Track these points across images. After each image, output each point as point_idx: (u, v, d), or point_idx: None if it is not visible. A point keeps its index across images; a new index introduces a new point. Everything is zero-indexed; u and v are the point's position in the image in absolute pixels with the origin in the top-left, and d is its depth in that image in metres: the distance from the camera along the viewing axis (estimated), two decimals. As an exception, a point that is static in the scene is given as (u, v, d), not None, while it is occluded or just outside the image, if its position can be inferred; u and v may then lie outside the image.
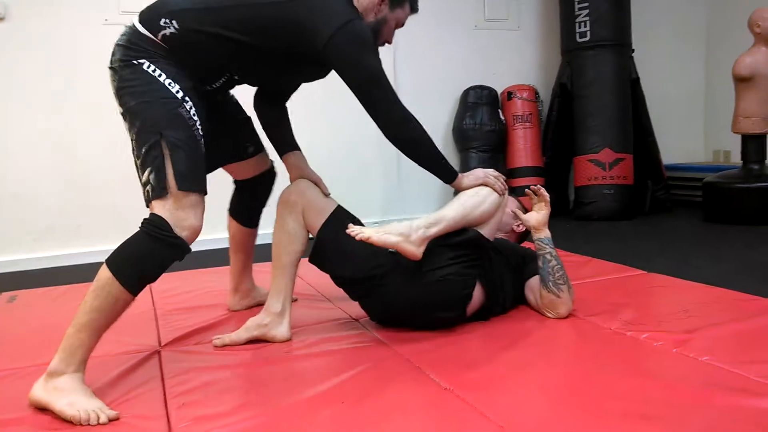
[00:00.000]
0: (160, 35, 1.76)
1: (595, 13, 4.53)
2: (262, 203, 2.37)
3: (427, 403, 1.54)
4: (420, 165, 2.00)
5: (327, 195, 2.12)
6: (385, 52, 4.87)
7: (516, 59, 5.02)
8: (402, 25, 2.09)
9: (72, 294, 2.83)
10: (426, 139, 1.95)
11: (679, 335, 1.87)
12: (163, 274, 3.09)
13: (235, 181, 2.37)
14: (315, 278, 2.75)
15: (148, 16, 1.80)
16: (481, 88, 4.74)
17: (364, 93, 1.88)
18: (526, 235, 2.39)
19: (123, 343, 2.07)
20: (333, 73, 1.95)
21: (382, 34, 2.03)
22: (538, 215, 2.17)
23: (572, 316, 2.11)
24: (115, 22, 3.89)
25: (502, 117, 4.76)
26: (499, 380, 1.64)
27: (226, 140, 2.15)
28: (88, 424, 1.49)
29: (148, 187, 1.73)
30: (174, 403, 1.58)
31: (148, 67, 1.74)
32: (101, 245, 3.95)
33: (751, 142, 4.08)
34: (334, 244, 2.05)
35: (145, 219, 1.74)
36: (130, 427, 1.49)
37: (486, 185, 2.03)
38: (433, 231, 1.95)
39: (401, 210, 4.71)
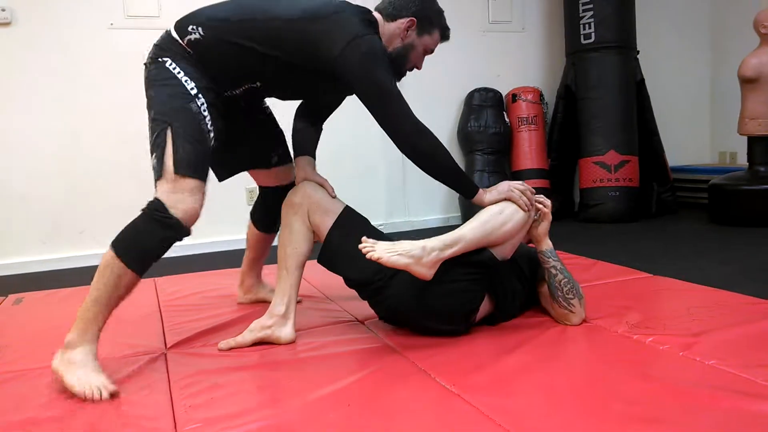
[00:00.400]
0: (186, 40, 1.93)
1: (600, 14, 4.52)
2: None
3: (433, 406, 1.54)
4: (437, 180, 1.98)
5: (333, 197, 2.12)
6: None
7: (521, 61, 5.02)
8: (431, 51, 2.11)
9: (78, 296, 2.82)
10: (442, 152, 1.93)
11: (685, 338, 1.86)
12: (169, 276, 3.12)
13: (260, 187, 2.44)
14: (320, 279, 2.76)
15: (180, 23, 1.97)
16: (486, 90, 4.74)
17: (375, 106, 1.89)
18: None
19: (129, 345, 2.08)
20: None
21: (409, 59, 2.08)
22: (538, 228, 2.07)
23: (578, 319, 2.11)
24: (120, 26, 3.91)
25: (507, 119, 4.75)
26: (505, 383, 1.64)
27: (249, 147, 2.25)
28: (92, 400, 1.63)
29: (153, 172, 1.85)
30: (180, 405, 1.59)
31: (170, 64, 1.91)
32: (108, 248, 3.97)
33: (757, 144, 4.07)
34: (342, 246, 2.05)
35: (152, 200, 1.85)
36: (136, 429, 1.49)
37: (511, 200, 1.96)
38: (448, 253, 1.86)
39: (405, 212, 4.72)
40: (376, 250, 1.81)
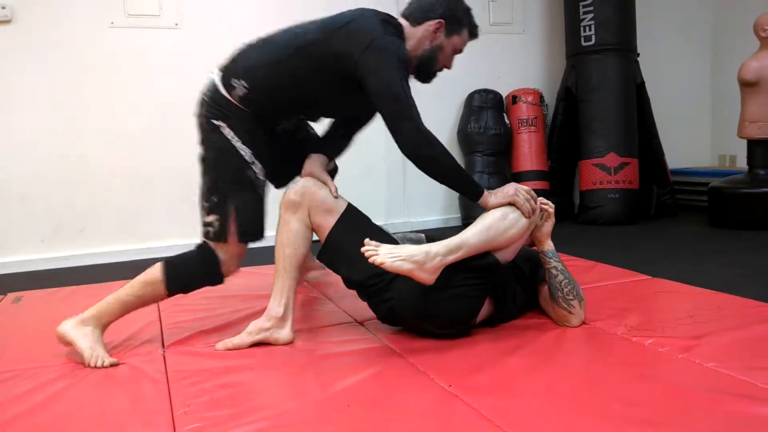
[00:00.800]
0: (233, 94, 2.01)
1: (600, 17, 4.52)
2: None
3: (432, 407, 1.53)
4: (442, 183, 1.97)
5: (335, 197, 2.10)
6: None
7: (521, 63, 5.02)
8: (460, 51, 2.13)
9: (78, 295, 2.84)
10: (446, 157, 1.93)
11: (685, 341, 1.86)
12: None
13: None
14: (317, 282, 2.76)
15: (224, 77, 2.03)
16: (486, 91, 4.73)
17: (382, 105, 1.90)
18: None
19: (127, 345, 2.08)
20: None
21: (438, 60, 2.09)
22: (542, 229, 2.06)
23: (578, 321, 2.11)
24: (121, 25, 3.91)
25: (507, 121, 4.75)
26: (504, 384, 1.64)
27: (290, 166, 2.28)
28: (95, 366, 1.87)
29: (211, 228, 2.03)
30: (178, 405, 1.58)
31: (225, 129, 2.01)
32: (107, 247, 3.97)
33: (757, 147, 4.06)
34: (344, 247, 2.03)
35: (205, 245, 2.05)
36: (134, 429, 1.49)
37: (515, 205, 1.93)
38: (451, 258, 1.84)
39: (405, 212, 4.71)
40: (379, 254, 1.79)
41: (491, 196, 1.96)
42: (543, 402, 1.53)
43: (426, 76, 2.12)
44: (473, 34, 2.13)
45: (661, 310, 2.29)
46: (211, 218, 2.02)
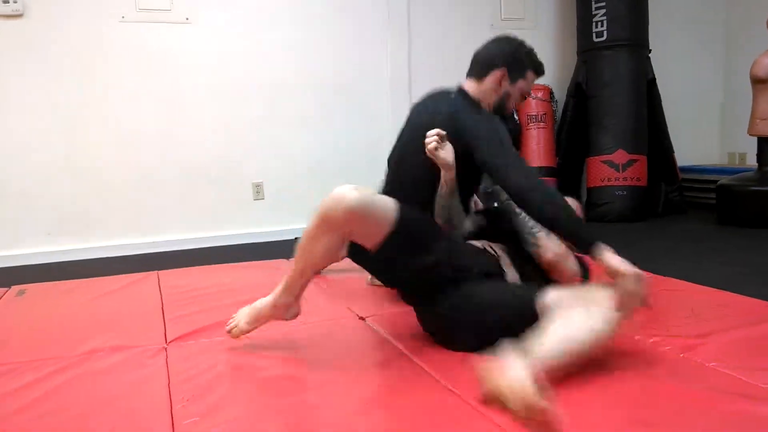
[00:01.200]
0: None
1: (612, 12, 4.49)
2: None
3: (429, 403, 1.53)
4: (551, 230, 1.89)
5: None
6: (400, 51, 4.87)
7: (531, 58, 5.00)
8: (529, 94, 2.15)
9: (81, 289, 2.85)
10: (554, 203, 1.80)
11: (688, 340, 1.85)
12: (172, 270, 3.13)
13: None
14: (321, 275, 2.76)
15: None
16: (496, 87, 4.71)
17: (485, 156, 1.88)
18: None
19: (130, 338, 2.09)
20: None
21: (507, 107, 2.12)
22: None
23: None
24: (132, 19, 3.92)
25: (516, 116, 4.74)
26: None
27: None
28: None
29: None
30: (178, 398, 1.59)
31: None
32: (113, 240, 3.99)
33: (767, 145, 4.03)
34: (397, 262, 1.83)
35: None
36: (133, 423, 1.50)
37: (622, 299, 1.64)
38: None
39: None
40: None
41: (610, 253, 1.70)
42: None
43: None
44: (539, 72, 2.13)
45: (665, 308, 2.27)
46: None
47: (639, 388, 1.56)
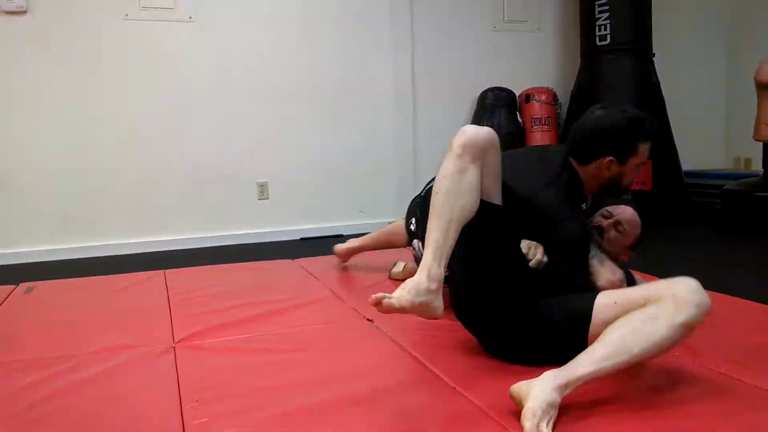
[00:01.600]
0: None
1: (616, 16, 4.49)
2: None
3: (433, 402, 1.54)
4: None
5: None
6: (404, 53, 4.85)
7: (535, 61, 5.00)
8: (644, 164, 1.97)
9: (89, 287, 2.86)
10: None
11: (691, 345, 1.84)
12: (178, 270, 3.12)
13: None
14: (327, 276, 2.76)
15: None
16: (500, 89, 4.72)
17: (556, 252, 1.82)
18: None
19: (137, 338, 2.08)
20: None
21: (623, 184, 1.96)
22: None
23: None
24: (135, 17, 3.92)
25: (520, 119, 4.74)
26: (504, 382, 1.63)
27: None
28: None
29: None
30: (188, 399, 1.59)
31: None
32: (119, 239, 3.99)
33: (772, 150, 4.04)
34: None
35: None
36: (143, 424, 1.50)
37: None
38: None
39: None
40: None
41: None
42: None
43: (616, 193, 2.03)
44: (648, 138, 1.90)
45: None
46: None
47: (647, 394, 1.56)
